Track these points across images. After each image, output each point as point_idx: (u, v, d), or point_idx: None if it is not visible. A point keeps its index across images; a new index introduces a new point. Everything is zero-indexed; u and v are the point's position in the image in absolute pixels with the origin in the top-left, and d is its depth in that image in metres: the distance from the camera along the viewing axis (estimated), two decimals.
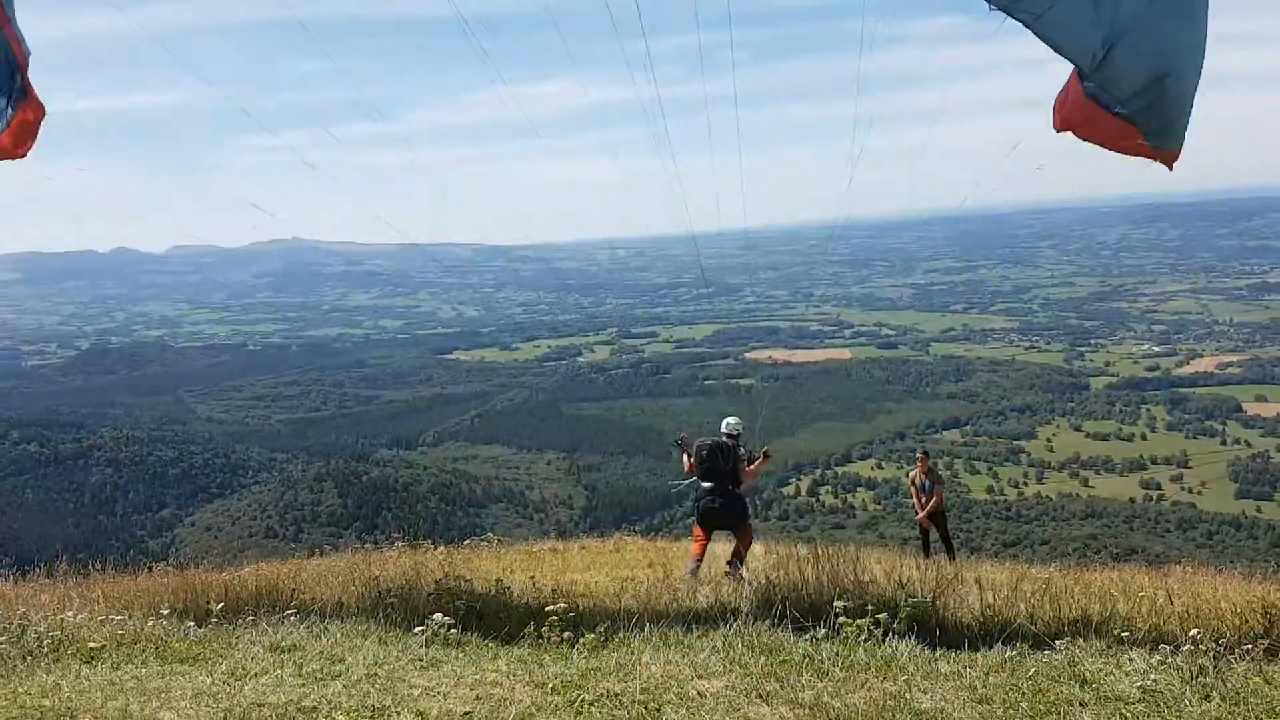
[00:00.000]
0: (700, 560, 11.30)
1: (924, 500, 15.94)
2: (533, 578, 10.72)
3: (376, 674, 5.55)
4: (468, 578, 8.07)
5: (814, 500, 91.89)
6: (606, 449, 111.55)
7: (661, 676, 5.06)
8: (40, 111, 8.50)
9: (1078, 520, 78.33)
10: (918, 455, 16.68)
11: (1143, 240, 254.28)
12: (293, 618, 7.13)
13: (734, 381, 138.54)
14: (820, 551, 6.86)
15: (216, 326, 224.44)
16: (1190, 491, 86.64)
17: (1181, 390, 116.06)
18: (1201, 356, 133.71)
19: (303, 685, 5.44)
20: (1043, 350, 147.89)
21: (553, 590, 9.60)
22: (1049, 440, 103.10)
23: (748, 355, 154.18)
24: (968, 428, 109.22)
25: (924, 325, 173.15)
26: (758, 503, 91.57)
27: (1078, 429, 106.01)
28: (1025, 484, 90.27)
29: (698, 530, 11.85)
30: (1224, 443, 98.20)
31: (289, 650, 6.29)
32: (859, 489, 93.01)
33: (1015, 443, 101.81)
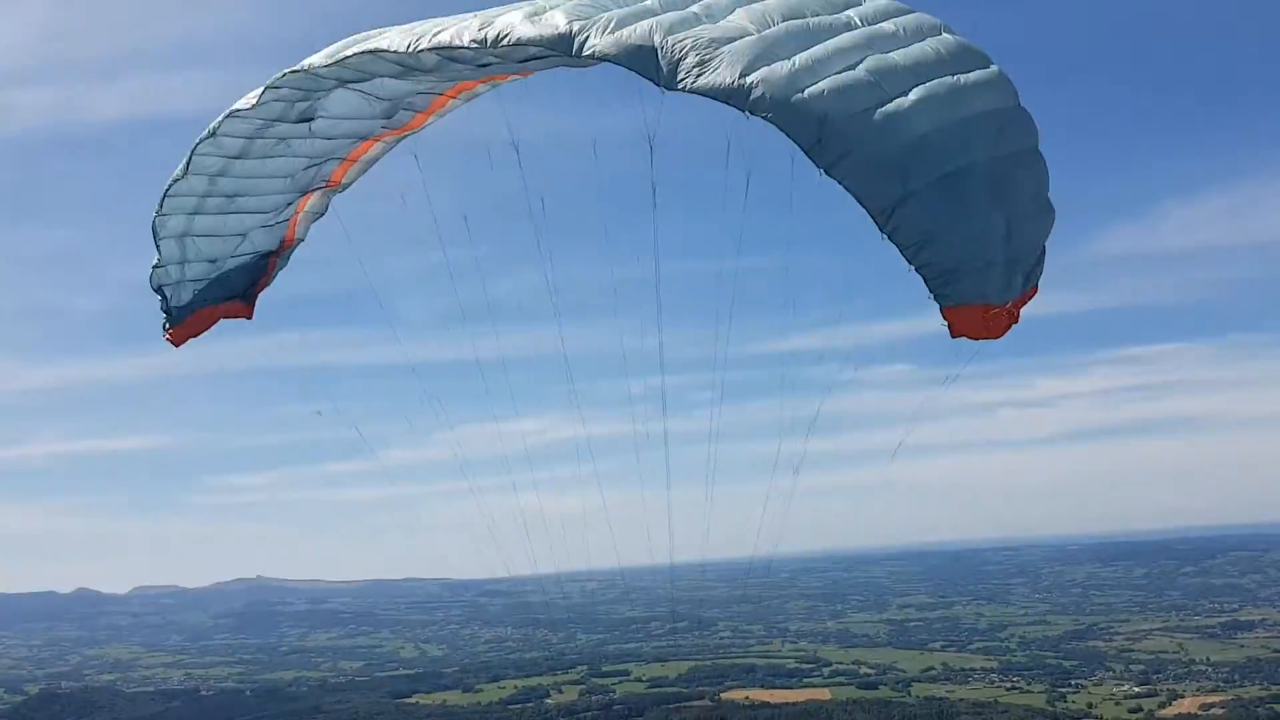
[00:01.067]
0: None
1: None
2: None
3: None
4: None
5: None
6: None
7: None
8: (233, 313, 10.93)
9: None
10: None
11: (1111, 578, 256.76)
12: None
13: None
14: None
15: (170, 670, 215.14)
16: None
17: None
18: (1183, 697, 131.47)
19: None
20: (1024, 691, 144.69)
21: None
22: None
23: (723, 695, 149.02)
24: None
25: (903, 663, 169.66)
26: None
27: None
28: None
29: None
30: None
31: None
32: None
33: None
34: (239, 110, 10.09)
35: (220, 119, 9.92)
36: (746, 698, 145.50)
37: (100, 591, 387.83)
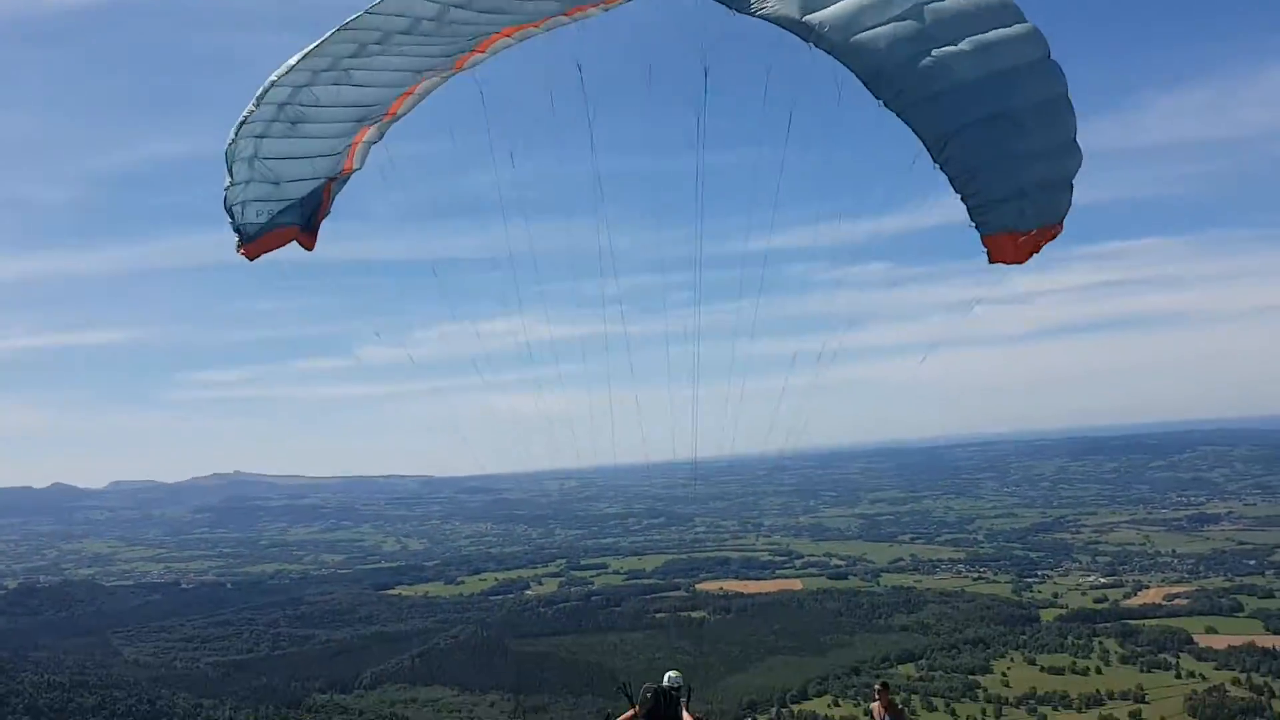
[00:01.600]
0: None
1: None
2: None
3: None
4: None
5: None
6: (554, 688, 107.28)
7: None
8: (300, 240, 11.56)
9: None
10: (876, 688, 16.16)
11: (1080, 472, 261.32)
12: None
13: (685, 614, 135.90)
14: None
15: (150, 564, 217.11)
16: None
17: (1131, 622, 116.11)
18: (1148, 588, 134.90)
19: None
20: (991, 581, 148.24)
21: None
22: (1004, 674, 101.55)
23: (699, 586, 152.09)
24: (922, 661, 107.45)
25: (873, 555, 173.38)
26: None
27: (1032, 662, 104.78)
28: None
29: None
30: (1179, 676, 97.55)
31: None
32: None
33: (971, 677, 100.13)
34: (312, 50, 10.69)
35: (297, 58, 10.60)
36: (721, 589, 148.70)
37: (76, 486, 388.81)
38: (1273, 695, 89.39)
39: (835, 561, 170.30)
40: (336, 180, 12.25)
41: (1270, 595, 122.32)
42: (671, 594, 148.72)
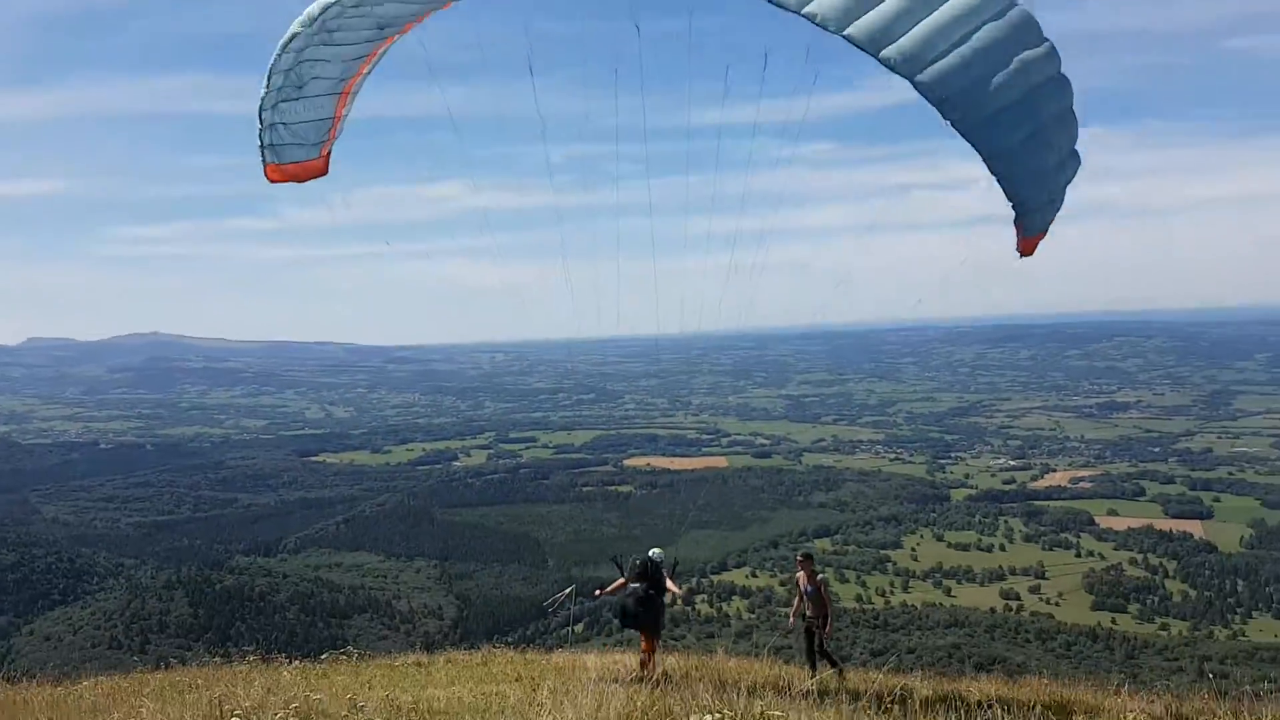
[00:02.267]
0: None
1: (807, 605, 15.43)
2: (388, 696, 10.29)
3: None
4: (319, 695, 7.68)
5: (689, 609, 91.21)
6: (480, 557, 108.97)
7: None
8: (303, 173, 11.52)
9: (942, 629, 79.71)
10: (798, 558, 16.04)
11: (998, 359, 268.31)
12: None
13: (612, 488, 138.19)
14: (681, 665, 6.78)
15: (68, 423, 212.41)
16: (1048, 602, 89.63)
17: (1037, 503, 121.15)
18: (1055, 471, 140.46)
19: None
20: (907, 462, 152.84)
21: (410, 708, 9.23)
22: (914, 550, 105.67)
23: (626, 462, 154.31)
24: (837, 536, 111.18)
25: (796, 435, 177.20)
26: None
27: (940, 539, 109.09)
28: (892, 593, 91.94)
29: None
30: (1079, 555, 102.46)
31: None
32: (734, 597, 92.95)
33: (882, 551, 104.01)
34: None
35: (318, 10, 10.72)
36: (648, 464, 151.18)
37: None
38: (1166, 575, 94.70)
39: (760, 440, 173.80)
40: (339, 119, 12.38)
41: (1171, 481, 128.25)
42: (599, 469, 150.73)
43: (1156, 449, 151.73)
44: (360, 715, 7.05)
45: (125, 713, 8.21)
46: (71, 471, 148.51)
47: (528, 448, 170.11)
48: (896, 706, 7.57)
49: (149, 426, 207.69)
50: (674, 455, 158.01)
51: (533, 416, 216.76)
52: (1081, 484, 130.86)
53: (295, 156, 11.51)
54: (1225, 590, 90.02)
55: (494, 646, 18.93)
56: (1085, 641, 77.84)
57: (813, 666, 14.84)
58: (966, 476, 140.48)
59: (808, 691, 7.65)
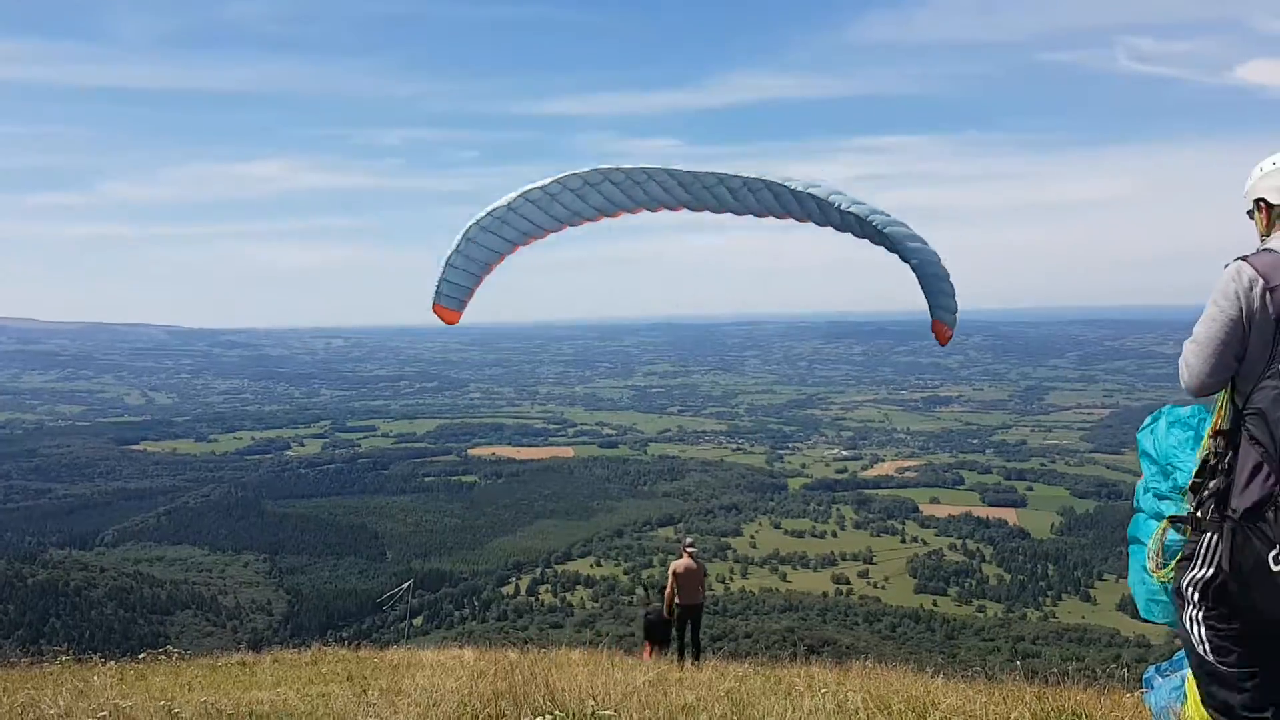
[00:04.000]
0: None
1: (678, 593, 15.30)
2: (207, 701, 9.71)
3: None
4: (130, 702, 7.13)
5: (533, 599, 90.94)
6: (314, 550, 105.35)
7: None
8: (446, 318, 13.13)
9: (777, 614, 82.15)
10: (686, 544, 16.24)
11: (833, 354, 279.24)
12: None
13: (455, 478, 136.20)
14: (523, 661, 6.63)
15: None
16: (875, 586, 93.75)
17: (866, 492, 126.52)
18: (884, 461, 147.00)
19: None
20: (748, 452, 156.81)
21: (231, 713, 8.73)
22: (753, 537, 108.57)
23: (471, 451, 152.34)
24: (680, 525, 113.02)
25: (642, 426, 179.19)
26: (475, 603, 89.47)
27: (777, 526, 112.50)
28: (731, 579, 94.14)
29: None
30: (903, 541, 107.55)
31: None
32: (578, 587, 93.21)
33: (723, 539, 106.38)
34: (539, 185, 12.34)
35: (531, 187, 12.28)
36: (493, 454, 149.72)
37: None
38: (983, 559, 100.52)
39: (607, 430, 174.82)
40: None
41: (988, 471, 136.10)
42: (443, 458, 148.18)
43: (975, 441, 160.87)
44: None
45: None
46: None
47: (366, 437, 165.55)
48: (726, 697, 7.65)
49: None
50: (520, 445, 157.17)
51: (372, 405, 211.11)
52: (907, 473, 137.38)
53: (448, 305, 13.38)
54: (1037, 574, 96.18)
55: (326, 644, 18.23)
56: (909, 623, 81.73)
57: (681, 655, 15.11)
58: (803, 466, 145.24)
59: (648, 682, 7.67)
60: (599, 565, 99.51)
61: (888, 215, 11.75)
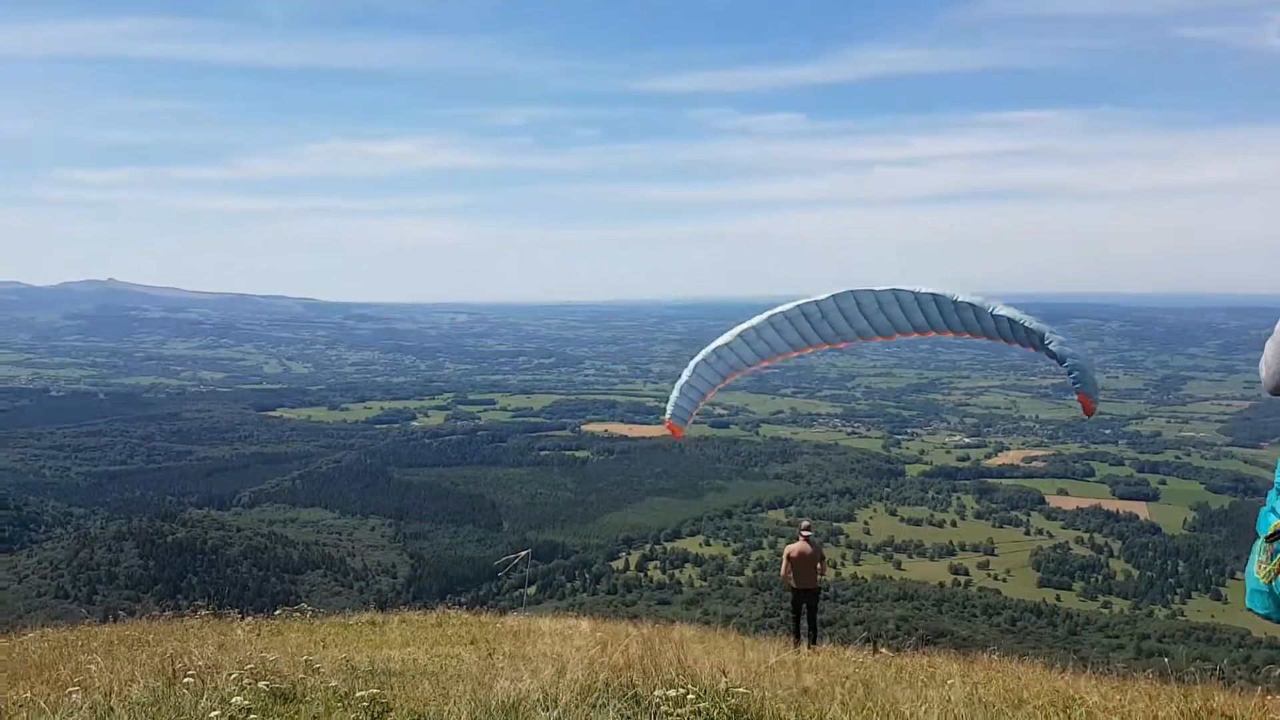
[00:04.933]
0: None
1: (794, 576, 15.33)
2: (347, 657, 10.19)
3: None
4: (274, 655, 7.56)
5: (642, 575, 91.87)
6: (435, 517, 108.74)
7: None
8: (674, 432, 16.01)
9: (890, 602, 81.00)
10: (802, 527, 16.21)
11: (958, 337, 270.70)
12: (75, 696, 6.48)
13: (569, 453, 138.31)
14: (645, 635, 6.74)
15: (17, 369, 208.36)
16: (996, 578, 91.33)
17: (989, 480, 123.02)
18: (1009, 449, 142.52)
19: None
20: (864, 436, 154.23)
21: (367, 670, 9.14)
22: (866, 523, 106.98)
23: (585, 427, 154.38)
24: (792, 508, 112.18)
25: (755, 406, 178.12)
26: (586, 576, 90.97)
27: (893, 513, 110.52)
28: (843, 565, 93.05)
29: None
30: (1027, 533, 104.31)
31: None
32: (687, 565, 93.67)
33: (835, 524, 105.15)
34: (750, 326, 14.80)
35: (746, 327, 14.91)
36: (606, 430, 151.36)
37: None
38: (1111, 554, 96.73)
39: (719, 410, 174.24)
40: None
41: (1120, 464, 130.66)
42: (557, 433, 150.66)
43: (1108, 431, 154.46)
44: (316, 679, 6.95)
45: (73, 669, 8.04)
46: (20, 419, 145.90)
47: (486, 410, 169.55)
48: (861, 687, 7.59)
49: (102, 375, 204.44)
50: (633, 422, 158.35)
51: (492, 379, 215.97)
52: (1034, 463, 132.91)
53: (677, 422, 15.51)
54: (1167, 571, 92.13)
55: (448, 608, 18.85)
56: (1030, 617, 79.47)
57: (797, 637, 15.15)
58: (922, 453, 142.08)
59: (778, 663, 7.70)
60: (708, 545, 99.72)
61: (1038, 321, 12.98)
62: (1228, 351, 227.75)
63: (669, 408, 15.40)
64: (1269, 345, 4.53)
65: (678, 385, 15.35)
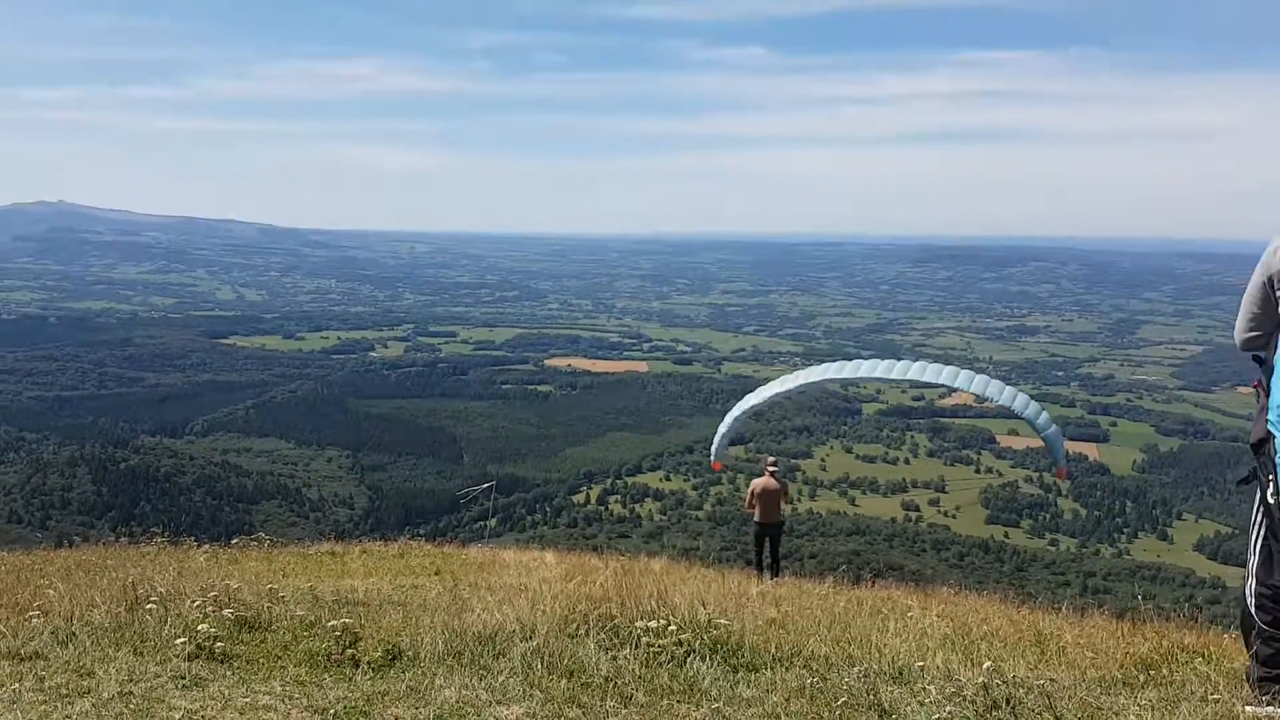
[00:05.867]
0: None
1: (758, 511, 15.66)
2: (311, 586, 10.08)
3: (131, 692, 4.91)
4: (237, 583, 7.40)
5: (603, 509, 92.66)
6: (394, 449, 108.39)
7: (456, 702, 4.70)
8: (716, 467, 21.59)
9: (844, 536, 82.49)
10: (768, 463, 16.55)
11: (917, 278, 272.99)
12: (35, 620, 6.31)
13: (532, 387, 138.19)
14: (623, 567, 6.66)
15: None
16: (946, 515, 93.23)
17: (943, 420, 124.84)
18: (961, 390, 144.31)
19: (44, 702, 4.78)
20: None
21: (332, 600, 9.03)
22: (823, 460, 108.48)
23: (547, 362, 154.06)
24: (751, 445, 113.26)
25: (717, 344, 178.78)
26: (547, 510, 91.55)
27: (849, 451, 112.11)
28: (799, 500, 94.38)
29: None
30: (978, 471, 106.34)
31: (30, 659, 5.55)
32: (647, 499, 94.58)
33: (793, 461, 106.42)
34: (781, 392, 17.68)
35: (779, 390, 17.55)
36: (569, 365, 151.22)
37: None
38: (1059, 494, 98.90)
39: (681, 347, 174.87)
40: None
41: (1072, 405, 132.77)
42: (520, 367, 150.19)
43: (1060, 373, 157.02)
44: (281, 607, 6.81)
45: (31, 593, 7.84)
46: None
47: (447, 342, 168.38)
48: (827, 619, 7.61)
49: (52, 299, 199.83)
50: (596, 358, 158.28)
51: (453, 311, 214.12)
52: (986, 404, 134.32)
53: (719, 459, 18.31)
54: (1114, 511, 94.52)
55: (409, 539, 18.77)
56: (978, 553, 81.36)
57: (759, 570, 15.38)
58: (878, 392, 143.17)
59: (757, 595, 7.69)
60: (668, 480, 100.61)
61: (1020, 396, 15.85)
62: (1183, 296, 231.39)
63: (713, 450, 18.70)
64: (1243, 301, 4.94)
65: (719, 433, 18.37)
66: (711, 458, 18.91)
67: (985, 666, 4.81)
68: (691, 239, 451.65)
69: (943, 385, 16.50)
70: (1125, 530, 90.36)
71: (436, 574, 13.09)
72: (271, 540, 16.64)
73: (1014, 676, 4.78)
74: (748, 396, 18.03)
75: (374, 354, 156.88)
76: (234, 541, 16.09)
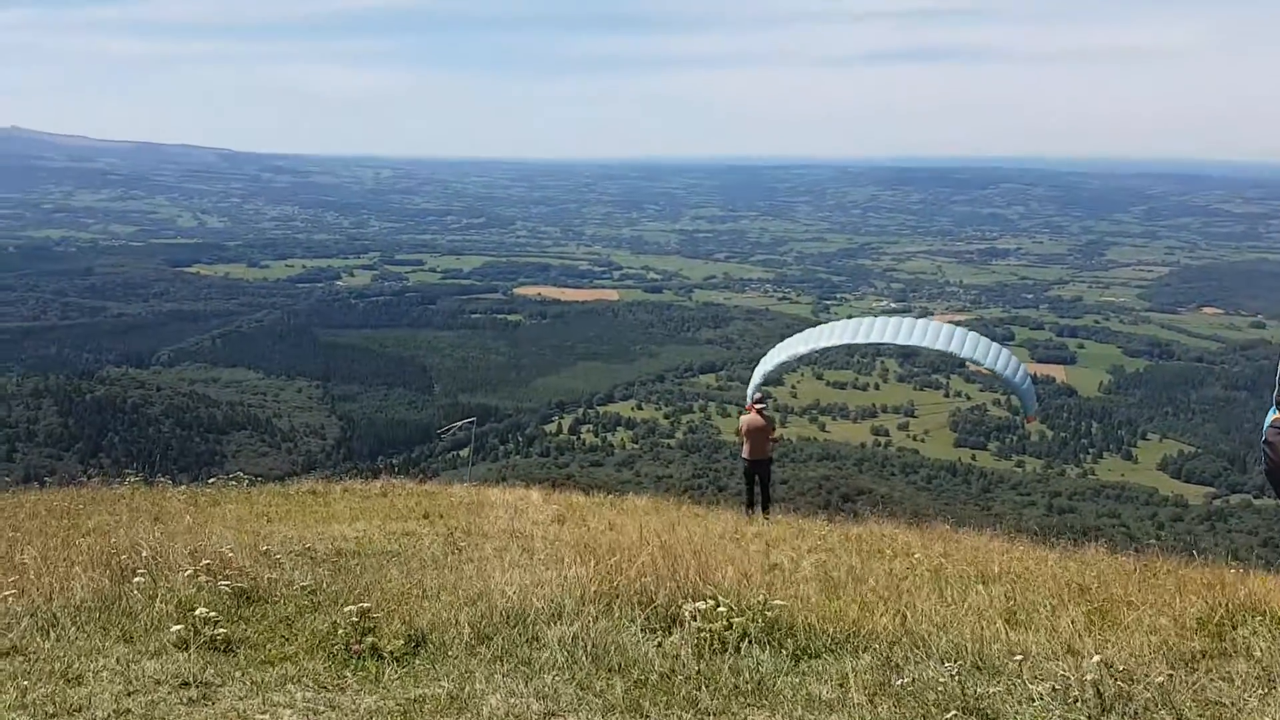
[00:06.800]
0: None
1: (744, 447, 15.54)
2: (300, 536, 9.67)
3: (129, 709, 4.27)
4: (229, 547, 6.94)
5: (575, 438, 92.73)
6: (364, 379, 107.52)
7: (505, 715, 4.20)
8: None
9: (814, 462, 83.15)
10: (755, 399, 16.39)
11: (889, 201, 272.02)
12: (11, 601, 5.80)
13: (501, 316, 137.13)
14: (660, 540, 6.24)
15: None
16: (915, 439, 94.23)
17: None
18: (933, 314, 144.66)
19: None
20: (794, 301, 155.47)
21: (326, 553, 8.64)
22: (794, 387, 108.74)
23: (516, 291, 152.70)
24: (722, 372, 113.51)
25: (688, 271, 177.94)
26: (519, 439, 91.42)
27: (819, 377, 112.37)
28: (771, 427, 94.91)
29: None
30: (947, 395, 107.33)
31: (8, 655, 5.01)
32: (619, 428, 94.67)
33: (765, 388, 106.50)
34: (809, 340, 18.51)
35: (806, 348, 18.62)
36: (539, 294, 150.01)
37: None
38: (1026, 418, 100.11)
39: (652, 275, 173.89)
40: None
41: (1040, 328, 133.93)
42: (489, 296, 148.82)
43: (1029, 296, 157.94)
44: (279, 572, 6.40)
45: (4, 552, 7.36)
46: None
47: (414, 270, 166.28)
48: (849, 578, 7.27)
49: (9, 228, 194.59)
50: (565, 286, 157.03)
51: (420, 238, 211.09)
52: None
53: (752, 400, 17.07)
54: (1080, 431, 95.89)
55: (390, 476, 18.30)
56: (945, 475, 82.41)
57: (750, 507, 15.25)
58: (849, 317, 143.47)
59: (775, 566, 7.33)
60: (640, 409, 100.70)
61: (994, 347, 16.54)
62: (1152, 217, 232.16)
63: (749, 392, 17.83)
64: None
65: (758, 374, 18.19)
66: (748, 400, 18.06)
67: (1094, 660, 4.38)
68: (660, 162, 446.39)
69: (938, 350, 17.57)
70: (1091, 451, 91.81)
71: (425, 517, 12.71)
72: (250, 479, 16.22)
73: (1123, 669, 4.32)
74: (763, 360, 18.39)
75: (340, 283, 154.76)
76: (211, 480, 15.66)
